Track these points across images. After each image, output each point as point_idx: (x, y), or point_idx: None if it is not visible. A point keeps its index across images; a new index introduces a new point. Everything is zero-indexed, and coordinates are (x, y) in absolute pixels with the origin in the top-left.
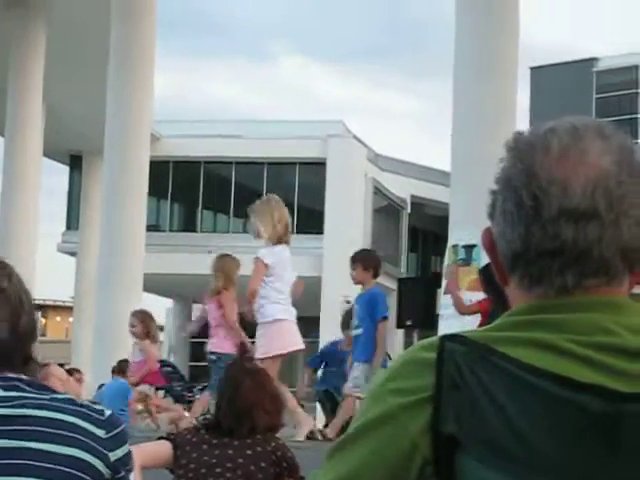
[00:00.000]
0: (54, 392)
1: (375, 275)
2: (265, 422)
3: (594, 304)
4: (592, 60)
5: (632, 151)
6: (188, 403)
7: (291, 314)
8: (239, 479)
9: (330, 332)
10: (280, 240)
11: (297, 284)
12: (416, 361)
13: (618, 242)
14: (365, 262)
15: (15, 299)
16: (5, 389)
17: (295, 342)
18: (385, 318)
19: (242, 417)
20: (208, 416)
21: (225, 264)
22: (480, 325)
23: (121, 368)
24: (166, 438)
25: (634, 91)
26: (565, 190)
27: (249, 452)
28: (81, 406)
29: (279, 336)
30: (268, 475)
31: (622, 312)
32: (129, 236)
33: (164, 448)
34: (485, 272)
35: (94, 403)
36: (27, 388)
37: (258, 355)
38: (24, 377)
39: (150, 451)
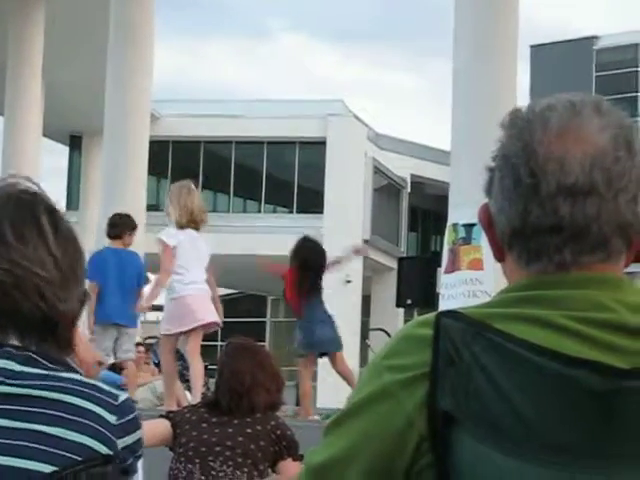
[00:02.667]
0: (70, 368)
1: None
2: (265, 401)
3: (592, 281)
4: (592, 38)
5: (629, 128)
6: (186, 382)
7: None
8: (239, 457)
9: (330, 311)
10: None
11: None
12: (412, 337)
13: (616, 218)
14: None
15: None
16: (21, 363)
17: None
18: None
19: (241, 396)
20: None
21: None
22: (286, 289)
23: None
24: (165, 416)
25: (634, 69)
26: (563, 167)
27: (249, 431)
28: (94, 389)
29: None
30: (267, 454)
31: (620, 290)
32: None
33: (163, 426)
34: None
35: (108, 385)
36: (43, 362)
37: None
38: (41, 350)
39: (148, 430)
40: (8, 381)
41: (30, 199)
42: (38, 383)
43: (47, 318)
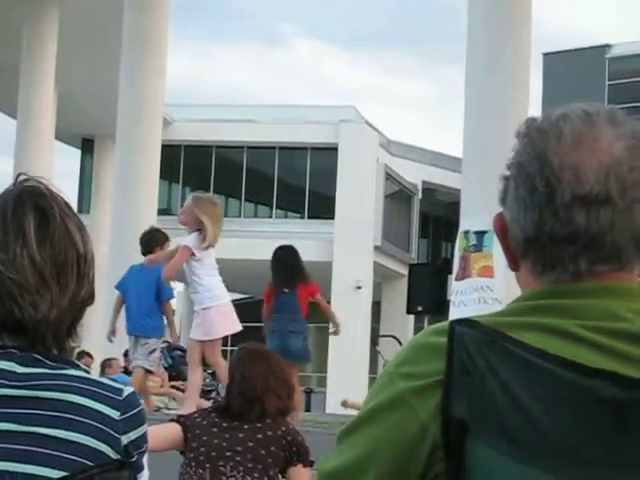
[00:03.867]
0: (73, 366)
1: None
2: (276, 406)
3: (606, 290)
4: (605, 47)
5: None
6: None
7: None
8: (249, 463)
9: (341, 317)
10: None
11: None
12: (426, 346)
13: (631, 228)
14: None
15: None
16: (24, 364)
17: None
18: None
19: (252, 401)
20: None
21: None
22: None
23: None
24: (176, 421)
25: None
26: (577, 176)
27: (259, 436)
28: (97, 385)
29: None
30: (278, 459)
31: (634, 299)
32: (140, 220)
33: (174, 431)
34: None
35: (113, 381)
36: (47, 362)
37: None
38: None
39: (159, 434)
40: (10, 383)
41: (20, 199)
42: (42, 383)
43: (20, 323)
